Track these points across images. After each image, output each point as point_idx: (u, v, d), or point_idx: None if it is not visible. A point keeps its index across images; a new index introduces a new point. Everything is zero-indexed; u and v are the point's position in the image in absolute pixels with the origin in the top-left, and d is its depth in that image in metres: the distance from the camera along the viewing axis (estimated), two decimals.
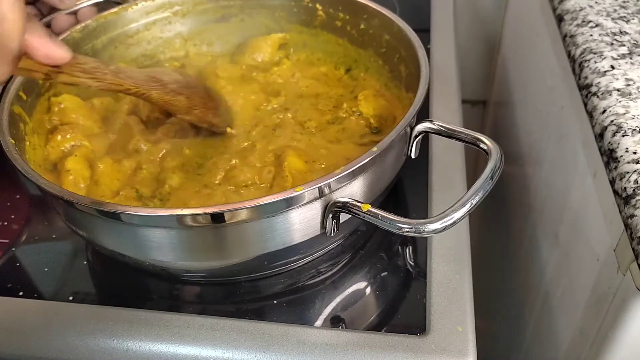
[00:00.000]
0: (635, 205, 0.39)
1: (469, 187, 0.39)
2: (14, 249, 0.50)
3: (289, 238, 0.40)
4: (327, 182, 0.37)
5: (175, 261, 0.41)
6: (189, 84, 0.51)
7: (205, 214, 0.36)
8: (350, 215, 0.39)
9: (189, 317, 0.42)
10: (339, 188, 0.39)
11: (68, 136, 0.51)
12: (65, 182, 0.47)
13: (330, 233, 0.40)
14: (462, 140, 0.43)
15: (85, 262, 0.49)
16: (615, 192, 0.41)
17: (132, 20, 0.59)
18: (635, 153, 0.41)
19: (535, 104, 0.73)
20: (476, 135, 0.42)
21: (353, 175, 0.39)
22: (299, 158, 0.48)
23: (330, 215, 0.39)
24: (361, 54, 0.59)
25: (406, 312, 0.43)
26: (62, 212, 0.43)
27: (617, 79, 0.48)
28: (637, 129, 0.43)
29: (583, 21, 0.56)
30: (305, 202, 0.38)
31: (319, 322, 0.43)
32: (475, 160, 0.98)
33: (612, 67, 0.49)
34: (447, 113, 0.59)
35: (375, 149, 0.39)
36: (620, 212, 0.40)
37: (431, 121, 0.45)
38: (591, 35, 0.54)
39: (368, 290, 0.45)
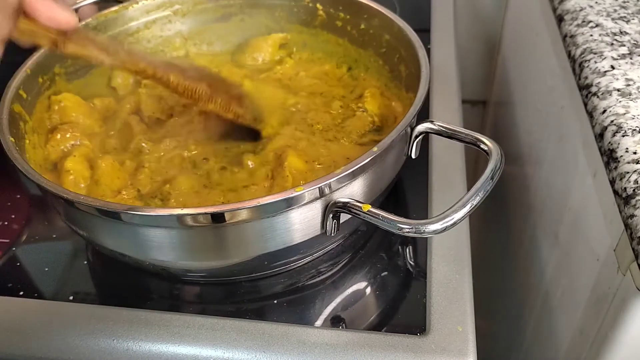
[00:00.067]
0: (635, 205, 0.39)
1: (469, 187, 0.39)
2: (14, 248, 0.50)
3: (289, 238, 0.40)
4: (327, 182, 0.37)
5: (176, 261, 0.41)
6: (211, 74, 0.49)
7: (205, 213, 0.36)
8: (350, 216, 0.39)
9: (189, 317, 0.42)
10: (339, 188, 0.39)
11: (68, 135, 0.51)
12: (66, 182, 0.47)
13: (331, 233, 0.40)
14: (462, 141, 0.43)
15: (85, 262, 0.49)
16: (615, 192, 0.41)
17: (132, 18, 0.59)
18: (635, 153, 0.41)
19: (535, 104, 0.73)
20: (477, 136, 0.42)
21: (353, 175, 0.39)
22: (299, 158, 0.48)
23: (331, 216, 0.39)
24: (361, 54, 0.59)
25: (406, 312, 0.43)
26: (63, 212, 0.43)
27: (617, 79, 0.48)
28: (637, 129, 0.43)
29: (583, 21, 0.56)
30: (305, 202, 0.38)
31: (319, 322, 0.43)
32: (475, 161, 0.98)
33: (612, 67, 0.49)
34: (447, 113, 0.59)
35: (375, 149, 0.39)
36: (620, 212, 0.40)
37: (432, 121, 0.45)
38: (591, 35, 0.54)
39: (368, 290, 0.45)
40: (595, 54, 0.51)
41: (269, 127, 0.52)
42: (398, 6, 0.78)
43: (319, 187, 0.37)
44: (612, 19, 0.56)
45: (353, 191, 0.40)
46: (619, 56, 0.51)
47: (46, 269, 0.48)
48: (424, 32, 0.71)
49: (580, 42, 0.53)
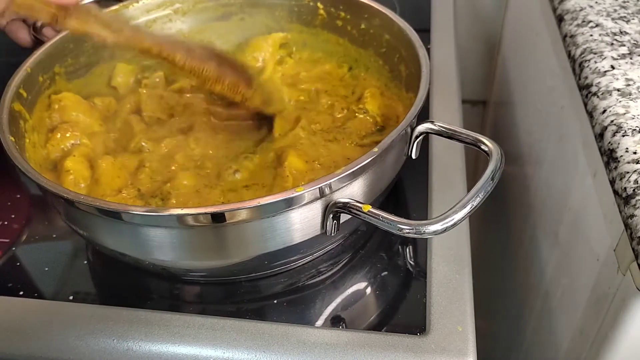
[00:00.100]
0: (635, 205, 0.39)
1: (469, 187, 0.39)
2: (14, 248, 0.50)
3: (289, 238, 0.40)
4: (328, 182, 0.37)
5: (176, 260, 0.41)
6: (220, 54, 0.48)
7: (205, 213, 0.36)
8: (350, 216, 0.39)
9: (189, 317, 0.42)
10: (339, 188, 0.39)
11: (68, 134, 0.51)
12: (65, 181, 0.47)
13: (331, 233, 0.40)
14: (463, 142, 0.43)
15: (85, 262, 0.49)
16: (615, 192, 0.41)
17: (133, 17, 0.59)
18: (635, 153, 0.41)
19: (535, 104, 0.73)
20: (477, 137, 0.42)
21: (354, 175, 0.39)
22: (300, 158, 0.48)
23: (331, 216, 0.39)
24: (361, 53, 0.59)
25: (406, 312, 0.43)
26: (63, 211, 0.43)
27: (617, 79, 0.48)
28: (637, 129, 0.43)
29: (583, 21, 0.56)
30: (305, 202, 0.38)
31: (319, 322, 0.43)
32: (475, 161, 0.98)
33: (612, 67, 0.49)
34: (447, 113, 0.59)
35: (376, 149, 0.39)
36: (620, 212, 0.40)
37: (432, 122, 0.45)
38: (591, 35, 0.54)
39: (368, 290, 0.45)
40: (595, 54, 0.51)
41: (279, 127, 0.51)
42: (398, 6, 0.78)
43: (319, 188, 0.37)
44: (612, 19, 0.56)
45: (353, 191, 0.40)
46: (619, 56, 0.51)
47: (46, 269, 0.48)
48: (424, 32, 0.70)
49: (580, 42, 0.53)
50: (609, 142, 0.43)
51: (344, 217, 0.40)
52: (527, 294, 0.70)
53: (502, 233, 0.87)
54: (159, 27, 0.61)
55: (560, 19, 0.59)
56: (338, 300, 0.44)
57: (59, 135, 0.51)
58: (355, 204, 0.38)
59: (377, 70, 0.57)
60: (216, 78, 0.47)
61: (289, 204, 0.37)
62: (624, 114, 0.45)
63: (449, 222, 0.36)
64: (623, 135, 0.43)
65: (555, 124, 0.63)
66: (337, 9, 0.59)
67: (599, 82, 0.48)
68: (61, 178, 0.47)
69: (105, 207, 0.37)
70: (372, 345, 0.40)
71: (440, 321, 0.41)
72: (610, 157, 0.43)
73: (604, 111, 0.46)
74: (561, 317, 0.58)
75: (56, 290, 0.46)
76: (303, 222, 0.39)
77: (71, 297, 0.45)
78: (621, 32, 0.54)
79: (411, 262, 0.47)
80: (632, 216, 0.38)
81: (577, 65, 0.52)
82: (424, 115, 0.56)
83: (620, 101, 0.46)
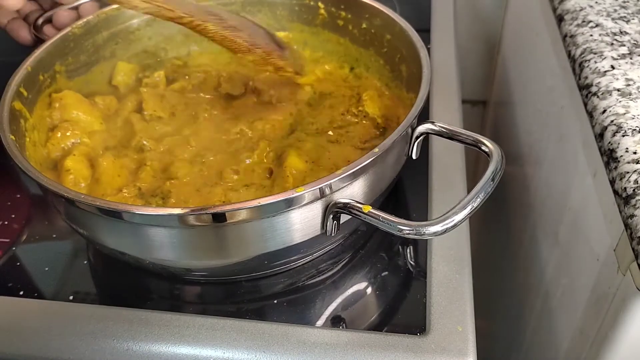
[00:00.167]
0: (635, 205, 0.39)
1: (469, 188, 0.39)
2: (14, 248, 0.50)
3: (289, 238, 0.40)
4: (328, 182, 0.37)
5: (176, 260, 0.41)
6: (252, 24, 0.47)
7: (206, 213, 0.36)
8: (350, 216, 0.39)
9: (189, 317, 0.42)
10: (340, 189, 0.39)
11: (68, 133, 0.51)
12: (66, 181, 0.47)
13: (331, 233, 0.40)
14: (463, 142, 0.43)
15: (85, 262, 0.48)
16: (615, 192, 0.41)
17: (134, 16, 0.59)
18: (635, 153, 0.41)
19: (535, 104, 0.73)
20: (477, 137, 0.42)
21: (354, 176, 0.39)
22: (300, 158, 0.48)
23: (331, 216, 0.39)
24: (362, 53, 0.59)
25: (406, 312, 0.43)
26: (63, 211, 0.43)
27: (617, 79, 0.48)
28: (637, 129, 0.43)
29: (583, 21, 0.56)
30: (306, 202, 0.38)
31: (319, 322, 0.43)
32: (475, 161, 0.98)
33: (612, 67, 0.49)
34: (447, 113, 0.59)
35: (376, 149, 0.39)
36: (620, 212, 0.40)
37: (432, 122, 0.45)
38: (591, 35, 0.54)
39: (368, 290, 0.45)
40: (595, 54, 0.51)
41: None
42: (398, 6, 0.78)
43: (319, 188, 0.37)
44: (612, 19, 0.56)
45: (353, 192, 0.40)
46: (619, 56, 0.51)
47: (46, 269, 0.48)
48: (424, 32, 0.70)
49: (580, 42, 0.53)
50: (609, 142, 0.43)
51: (344, 218, 0.40)
52: (527, 294, 0.70)
53: (502, 233, 0.87)
54: (160, 25, 0.61)
55: (560, 19, 0.59)
56: (338, 300, 0.44)
57: (59, 134, 0.51)
58: (355, 204, 0.38)
59: (378, 70, 0.57)
60: (248, 48, 0.46)
61: (289, 204, 0.37)
62: (624, 114, 0.45)
63: (449, 223, 0.36)
64: (623, 135, 0.43)
65: (555, 124, 0.63)
66: (338, 8, 0.59)
67: (599, 82, 0.48)
68: (61, 177, 0.47)
69: (105, 206, 0.37)
70: (372, 345, 0.40)
71: (440, 321, 0.41)
72: (610, 157, 0.43)
73: (604, 111, 0.46)
74: (561, 317, 0.58)
75: (56, 290, 0.46)
76: (303, 222, 0.39)
77: (71, 297, 0.45)
78: (621, 32, 0.54)
79: (411, 262, 0.47)
80: (632, 216, 0.38)
81: (577, 65, 0.52)
82: (424, 115, 0.56)
83: (620, 101, 0.46)
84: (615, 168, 0.42)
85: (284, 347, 0.40)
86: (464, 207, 0.37)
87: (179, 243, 0.40)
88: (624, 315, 0.43)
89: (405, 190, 0.53)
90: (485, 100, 1.08)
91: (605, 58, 0.50)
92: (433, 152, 0.54)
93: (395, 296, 0.45)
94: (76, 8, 0.61)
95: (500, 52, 0.97)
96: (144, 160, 0.49)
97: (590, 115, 0.47)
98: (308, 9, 0.61)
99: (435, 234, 0.36)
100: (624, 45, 0.52)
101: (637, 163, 0.41)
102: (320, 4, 0.60)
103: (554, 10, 0.61)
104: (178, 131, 0.53)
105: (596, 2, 0.58)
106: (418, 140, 0.45)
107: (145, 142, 0.51)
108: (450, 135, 0.44)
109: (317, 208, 0.39)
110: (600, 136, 0.45)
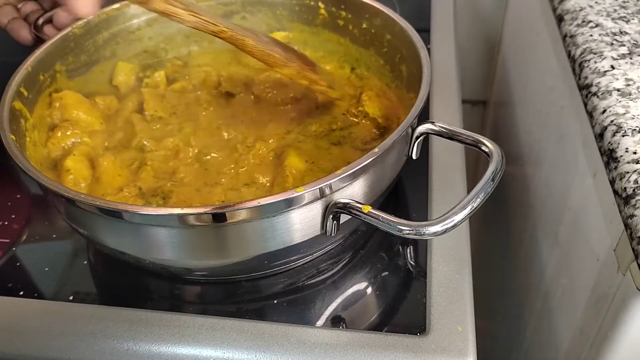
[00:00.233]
0: (635, 205, 0.39)
1: (469, 188, 0.39)
2: (14, 248, 0.50)
3: (289, 238, 0.40)
4: (328, 182, 0.37)
5: (176, 260, 0.41)
6: (282, 42, 0.50)
7: (206, 213, 0.36)
8: (350, 216, 0.39)
9: (189, 317, 0.42)
10: (340, 189, 0.39)
11: (69, 133, 0.51)
12: (66, 181, 0.47)
13: (331, 233, 0.40)
14: (463, 142, 0.43)
15: (85, 262, 0.49)
16: (615, 192, 0.41)
17: (134, 16, 0.59)
18: (635, 153, 0.41)
19: (535, 104, 0.73)
20: (477, 138, 0.42)
21: (354, 176, 0.39)
22: (300, 158, 0.48)
23: (331, 216, 0.39)
24: (362, 53, 0.59)
25: (406, 312, 0.43)
26: (63, 210, 0.43)
27: (617, 79, 0.48)
28: (637, 129, 0.43)
29: (583, 21, 0.56)
30: (306, 202, 0.38)
31: (319, 322, 0.43)
32: (475, 161, 0.98)
33: (612, 67, 0.49)
34: (447, 113, 0.59)
35: (376, 149, 0.39)
36: (620, 212, 0.40)
37: (432, 122, 0.45)
38: (591, 35, 0.54)
39: (368, 290, 0.45)
40: (595, 54, 0.51)
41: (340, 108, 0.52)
42: (398, 6, 0.78)
43: (319, 188, 0.37)
44: (612, 19, 0.56)
45: (353, 192, 0.40)
46: (618, 56, 0.51)
47: (46, 269, 0.48)
48: (424, 32, 0.70)
49: (580, 42, 0.53)
50: (609, 142, 0.43)
51: (344, 218, 0.40)
52: (527, 294, 0.70)
53: (502, 233, 0.87)
54: (160, 25, 0.61)
55: (560, 19, 0.59)
56: (338, 300, 0.44)
57: (59, 134, 0.51)
58: (355, 204, 0.38)
59: (378, 70, 0.57)
60: (284, 62, 0.48)
61: (289, 204, 0.37)
62: (624, 114, 0.45)
63: (449, 223, 0.36)
64: (623, 135, 0.43)
65: (555, 124, 0.63)
66: (338, 8, 0.59)
67: (599, 82, 0.48)
68: (61, 177, 0.47)
69: (105, 206, 0.37)
70: (372, 346, 0.40)
71: (440, 321, 0.41)
72: (610, 157, 0.43)
73: (604, 111, 0.46)
74: (561, 317, 0.58)
75: (56, 290, 0.46)
76: (303, 222, 0.39)
77: (71, 297, 0.45)
78: (621, 32, 0.54)
79: (411, 262, 0.47)
80: (632, 216, 0.38)
81: (577, 65, 0.52)
82: (424, 115, 0.56)
83: (620, 101, 0.46)
84: (615, 168, 0.42)
85: (284, 347, 0.40)
86: (464, 207, 0.37)
87: (179, 243, 0.40)
88: (624, 315, 0.43)
89: (405, 190, 0.53)
90: (485, 100, 1.08)
91: (605, 58, 0.50)
92: (433, 152, 0.54)
93: (395, 296, 0.45)
94: None
95: (500, 52, 0.97)
96: (144, 160, 0.49)
97: (590, 115, 0.47)
98: (308, 9, 0.61)
99: (435, 234, 0.36)
100: (624, 45, 0.52)
101: (637, 163, 0.41)
102: (320, 4, 0.60)
103: (554, 10, 0.61)
104: (178, 131, 0.53)
105: (596, 2, 0.58)
106: (418, 140, 0.45)
107: (145, 142, 0.51)
108: (450, 135, 0.44)
109: (317, 208, 0.39)
110: (600, 136, 0.45)
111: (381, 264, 0.47)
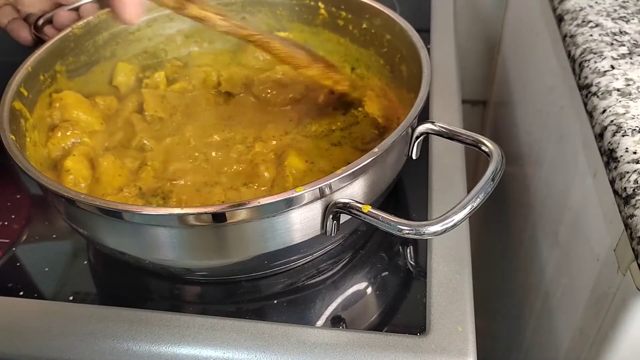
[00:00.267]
0: (635, 205, 0.39)
1: (469, 188, 0.39)
2: (14, 248, 0.50)
3: (289, 238, 0.40)
4: (328, 182, 0.37)
5: (176, 260, 0.41)
6: (304, 46, 0.52)
7: (206, 213, 0.36)
8: (350, 216, 0.39)
9: (189, 317, 0.42)
10: (339, 189, 0.39)
11: (69, 133, 0.51)
12: (66, 181, 0.47)
13: (331, 233, 0.40)
14: (463, 142, 0.43)
15: (85, 262, 0.49)
16: (615, 192, 0.41)
17: None
18: (635, 153, 0.41)
19: (535, 104, 0.73)
20: (477, 137, 0.42)
21: (354, 176, 0.39)
22: (300, 158, 0.48)
23: (331, 216, 0.39)
24: (362, 53, 0.59)
25: (406, 312, 0.43)
26: (63, 211, 0.43)
27: (617, 79, 0.48)
28: (637, 129, 0.43)
29: (583, 21, 0.56)
30: (305, 202, 0.38)
31: (319, 322, 0.43)
32: (475, 161, 0.98)
33: (612, 67, 0.49)
34: (447, 113, 0.59)
35: (376, 149, 0.39)
36: (620, 212, 0.40)
37: (432, 122, 0.45)
38: (591, 35, 0.54)
39: (368, 290, 0.45)
40: (595, 53, 0.51)
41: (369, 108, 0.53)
42: (398, 6, 0.78)
43: (319, 188, 0.37)
44: (612, 19, 0.56)
45: (353, 192, 0.40)
46: (618, 56, 0.51)
47: (46, 269, 0.48)
48: (424, 32, 0.71)
49: (580, 42, 0.53)
50: (609, 142, 0.43)
51: (344, 218, 0.40)
52: (527, 294, 0.70)
53: (502, 233, 0.87)
54: (160, 26, 0.61)
55: (560, 19, 0.59)
56: (338, 300, 0.44)
57: (59, 134, 0.51)
58: (355, 204, 0.38)
59: (378, 70, 0.57)
60: (309, 63, 0.50)
61: (289, 204, 0.37)
62: (624, 113, 0.45)
63: (449, 223, 0.36)
64: (623, 135, 0.43)
65: (555, 124, 0.63)
66: (338, 8, 0.59)
67: (598, 82, 0.48)
68: (61, 177, 0.47)
69: (105, 206, 0.37)
70: (372, 346, 0.40)
71: (440, 321, 0.41)
72: (610, 157, 0.43)
73: (604, 111, 0.46)
74: (561, 317, 0.58)
75: (56, 291, 0.46)
76: (303, 222, 0.39)
77: (71, 298, 0.45)
78: (621, 32, 0.54)
79: (411, 262, 0.47)
80: (632, 216, 0.38)
81: (577, 65, 0.52)
82: (424, 115, 0.56)
83: (620, 101, 0.46)
84: (615, 168, 0.42)
85: (284, 347, 0.40)
86: (464, 207, 0.37)
87: (179, 243, 0.40)
88: (624, 315, 0.43)
89: (405, 190, 0.53)
90: (485, 100, 1.08)
91: (605, 58, 0.50)
92: (433, 152, 0.54)
93: (395, 296, 0.45)
94: (77, 9, 0.61)
95: (500, 52, 0.97)
96: (144, 160, 0.49)
97: (590, 115, 0.47)
98: (308, 9, 0.61)
99: (435, 234, 0.36)
100: (624, 45, 0.52)
101: (637, 163, 0.41)
102: (320, 4, 0.60)
103: (554, 10, 0.61)
104: (179, 131, 0.53)
105: (596, 2, 0.58)
106: (418, 140, 0.45)
107: (145, 142, 0.51)
108: (450, 135, 0.44)
109: (317, 208, 0.39)
110: (600, 136, 0.45)
111: (381, 264, 0.47)
